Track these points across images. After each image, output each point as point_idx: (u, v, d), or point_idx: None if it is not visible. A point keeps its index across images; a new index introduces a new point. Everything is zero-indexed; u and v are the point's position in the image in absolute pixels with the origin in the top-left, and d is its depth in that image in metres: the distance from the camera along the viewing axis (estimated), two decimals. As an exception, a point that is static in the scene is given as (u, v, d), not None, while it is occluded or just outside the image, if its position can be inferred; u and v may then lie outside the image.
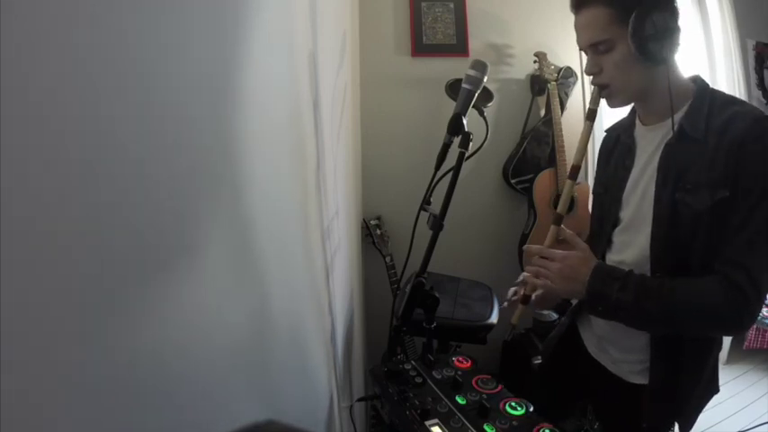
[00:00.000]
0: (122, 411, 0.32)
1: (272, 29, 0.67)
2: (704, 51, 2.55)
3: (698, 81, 1.00)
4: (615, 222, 1.09)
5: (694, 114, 0.95)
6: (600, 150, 1.23)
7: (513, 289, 1.21)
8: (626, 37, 0.91)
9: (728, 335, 2.16)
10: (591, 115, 1.05)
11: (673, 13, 0.92)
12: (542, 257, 1.04)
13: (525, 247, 1.08)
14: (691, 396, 1.04)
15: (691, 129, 0.94)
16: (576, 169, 1.07)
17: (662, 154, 0.98)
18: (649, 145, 1.03)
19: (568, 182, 1.07)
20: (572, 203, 2.13)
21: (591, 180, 2.32)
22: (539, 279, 1.04)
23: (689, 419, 1.07)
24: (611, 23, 0.92)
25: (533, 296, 1.13)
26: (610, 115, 1.23)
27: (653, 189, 0.98)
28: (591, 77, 1.01)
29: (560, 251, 1.03)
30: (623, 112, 1.12)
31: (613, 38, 0.93)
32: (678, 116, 0.96)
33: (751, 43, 2.62)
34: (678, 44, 0.93)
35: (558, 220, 1.07)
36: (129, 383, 0.32)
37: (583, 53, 1.03)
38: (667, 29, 0.91)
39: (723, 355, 2.63)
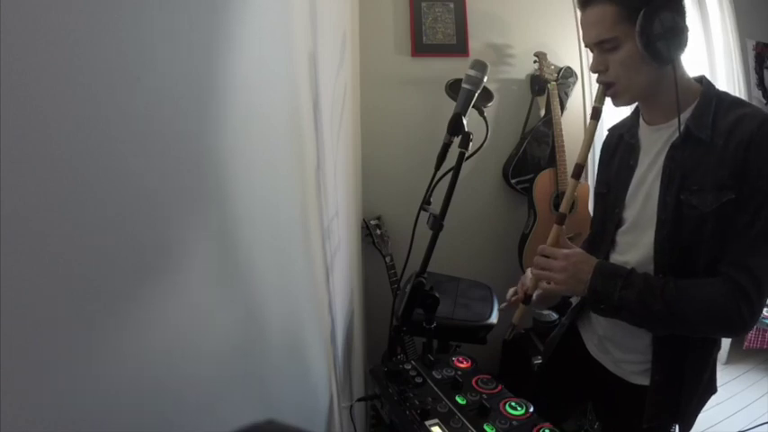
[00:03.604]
0: (116, 418, 0.32)
1: (272, 29, 0.67)
2: (704, 51, 2.55)
3: (704, 82, 0.99)
4: (618, 223, 1.09)
5: (700, 115, 0.94)
6: (602, 149, 1.22)
7: (512, 289, 1.21)
8: (633, 35, 0.90)
9: (730, 336, 2.17)
10: (596, 114, 1.04)
11: (680, 12, 0.92)
12: (544, 256, 1.04)
13: (539, 247, 1.07)
14: (692, 397, 1.04)
15: (697, 130, 0.93)
16: (580, 168, 1.06)
17: (667, 155, 0.97)
18: (654, 145, 1.02)
19: (572, 181, 1.06)
20: (572, 203, 2.13)
21: (590, 180, 2.32)
22: (541, 278, 1.05)
23: (689, 420, 1.07)
24: (618, 21, 0.91)
25: (534, 295, 1.13)
26: (611, 115, 1.23)
27: (657, 190, 0.98)
28: (596, 75, 1.00)
29: (561, 251, 1.03)
30: (624, 111, 1.12)
31: (620, 36, 0.92)
32: (684, 117, 0.95)
33: (751, 43, 2.62)
34: (685, 44, 0.92)
35: (562, 220, 1.07)
36: (123, 390, 0.32)
37: (584, 52, 1.02)
38: (675, 28, 0.90)
39: (723, 355, 2.64)
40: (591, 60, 1.01)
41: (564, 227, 1.07)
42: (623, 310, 0.95)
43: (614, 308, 0.96)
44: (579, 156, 1.06)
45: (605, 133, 1.24)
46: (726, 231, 0.90)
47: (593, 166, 2.29)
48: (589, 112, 2.33)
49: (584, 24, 0.98)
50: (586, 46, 1.00)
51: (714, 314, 0.90)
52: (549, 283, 1.05)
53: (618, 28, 0.92)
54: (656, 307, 0.91)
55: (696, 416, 1.09)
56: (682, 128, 0.94)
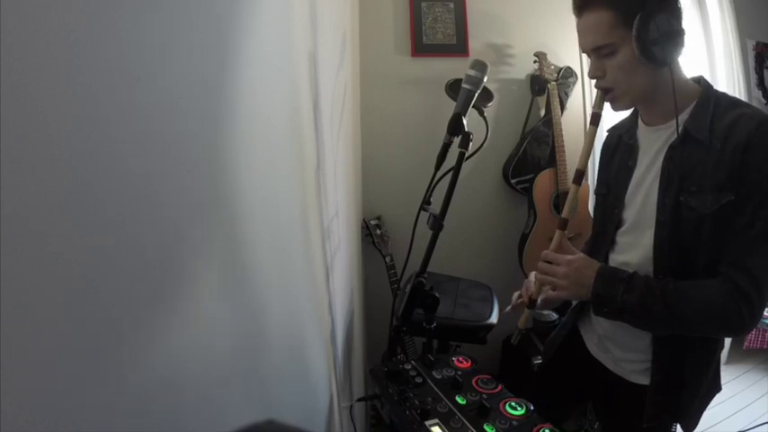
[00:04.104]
0: (117, 418, 0.32)
1: (272, 29, 0.67)
2: (704, 51, 2.55)
3: (702, 82, 0.99)
4: (618, 223, 1.09)
5: (698, 116, 0.94)
6: (602, 150, 1.23)
7: (516, 293, 1.22)
8: (629, 40, 0.90)
9: (731, 336, 2.16)
10: (595, 119, 1.04)
11: (676, 14, 0.92)
12: (547, 262, 1.05)
13: (543, 253, 1.08)
14: (695, 396, 1.04)
15: (695, 131, 0.93)
16: (580, 174, 1.06)
17: (665, 156, 0.97)
18: (653, 146, 1.02)
19: (573, 186, 1.06)
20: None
21: (591, 180, 2.32)
22: (545, 284, 1.06)
23: (693, 419, 1.07)
24: (614, 27, 0.92)
25: (539, 300, 1.13)
26: (612, 116, 1.23)
27: (656, 191, 0.98)
28: (594, 81, 1.01)
29: (565, 256, 1.03)
30: (625, 112, 1.12)
31: (617, 41, 0.92)
32: (682, 118, 0.95)
33: (751, 43, 2.62)
34: (682, 46, 0.93)
35: (564, 225, 1.08)
36: (123, 390, 0.32)
37: (584, 54, 1.02)
38: (671, 31, 0.90)
39: (723, 354, 2.63)
40: (588, 66, 1.01)
41: (566, 231, 1.08)
42: (625, 313, 0.96)
43: (617, 311, 0.97)
44: (579, 161, 1.06)
45: (605, 134, 1.24)
46: (724, 232, 0.90)
47: (594, 166, 2.29)
48: (589, 111, 2.34)
49: (581, 30, 0.98)
50: (583, 52, 1.00)
51: (713, 315, 0.90)
52: (553, 289, 1.06)
53: (614, 33, 0.92)
54: (656, 308, 0.92)
55: (700, 414, 1.09)
56: (680, 129, 0.94)
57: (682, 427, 1.07)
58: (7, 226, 0.22)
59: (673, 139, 0.96)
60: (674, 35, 0.90)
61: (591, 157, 2.29)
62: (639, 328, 1.01)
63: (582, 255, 1.05)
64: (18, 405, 0.23)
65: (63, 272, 0.26)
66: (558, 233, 1.08)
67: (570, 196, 1.07)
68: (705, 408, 1.10)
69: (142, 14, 0.33)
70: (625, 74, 0.95)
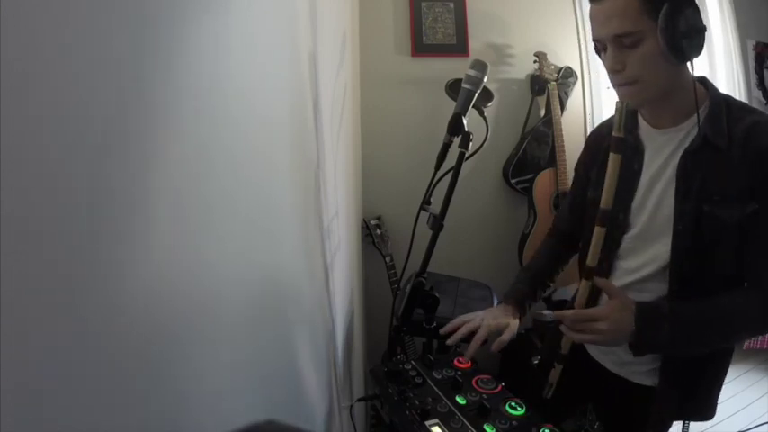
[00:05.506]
0: (118, 418, 0.32)
1: (272, 28, 0.67)
2: (704, 51, 2.55)
3: (708, 85, 0.96)
4: (624, 229, 1.03)
5: (714, 121, 0.90)
6: (591, 150, 1.15)
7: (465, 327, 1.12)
8: (654, 31, 0.84)
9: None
10: (618, 146, 0.91)
11: (698, 10, 0.87)
12: (583, 320, 0.95)
13: (560, 314, 0.97)
14: (709, 394, 1.04)
15: (713, 136, 0.89)
16: (606, 214, 0.95)
17: (680, 162, 0.93)
18: (662, 150, 0.97)
19: (598, 229, 0.95)
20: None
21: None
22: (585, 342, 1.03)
23: (710, 410, 1.06)
24: (640, 14, 0.84)
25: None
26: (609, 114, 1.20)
27: (670, 198, 0.94)
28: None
29: (599, 309, 0.95)
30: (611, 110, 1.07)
31: (642, 31, 0.85)
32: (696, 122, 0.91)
33: (751, 43, 2.62)
34: (704, 44, 0.88)
35: (590, 275, 0.98)
36: (125, 390, 0.32)
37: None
38: (697, 26, 0.85)
39: (723, 355, 2.63)
40: (607, 59, 0.91)
41: (592, 281, 0.99)
42: (666, 348, 0.94)
43: (660, 347, 0.93)
44: (604, 199, 0.94)
45: (592, 133, 1.20)
46: (749, 240, 0.89)
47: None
48: (589, 111, 2.34)
49: (600, 16, 0.89)
50: (598, 40, 0.91)
51: (752, 326, 0.92)
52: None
53: (640, 21, 0.85)
54: (700, 337, 0.91)
55: (715, 404, 1.06)
56: (697, 134, 0.90)
57: (699, 419, 1.06)
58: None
59: (687, 143, 0.92)
60: (699, 30, 0.86)
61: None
62: (678, 354, 0.97)
63: (613, 302, 0.93)
64: (18, 405, 0.23)
65: (60, 272, 0.26)
66: (584, 283, 0.99)
67: (594, 240, 0.96)
68: (718, 397, 1.07)
69: (139, 13, 0.33)
70: (647, 68, 0.88)
